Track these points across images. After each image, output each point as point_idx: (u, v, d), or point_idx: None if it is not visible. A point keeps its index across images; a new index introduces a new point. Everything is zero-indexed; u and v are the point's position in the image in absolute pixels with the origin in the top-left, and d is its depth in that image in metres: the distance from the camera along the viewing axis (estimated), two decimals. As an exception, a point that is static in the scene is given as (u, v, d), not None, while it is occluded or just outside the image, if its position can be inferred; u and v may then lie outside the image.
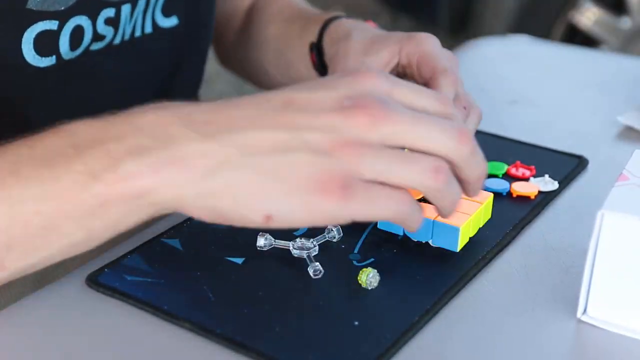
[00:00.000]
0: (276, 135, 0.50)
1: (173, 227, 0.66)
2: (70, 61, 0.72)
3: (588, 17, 2.55)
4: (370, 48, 0.76)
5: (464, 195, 0.57)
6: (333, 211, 0.50)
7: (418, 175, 0.51)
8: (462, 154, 0.52)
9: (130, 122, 0.52)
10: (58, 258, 0.54)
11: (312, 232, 0.65)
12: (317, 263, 0.61)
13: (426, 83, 0.71)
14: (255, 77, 1.01)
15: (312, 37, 0.84)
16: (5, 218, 0.51)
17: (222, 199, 0.50)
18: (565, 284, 0.61)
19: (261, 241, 0.63)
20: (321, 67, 0.83)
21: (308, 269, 0.61)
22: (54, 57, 0.71)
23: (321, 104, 0.51)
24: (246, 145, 0.50)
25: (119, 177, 0.50)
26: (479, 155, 0.53)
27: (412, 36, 0.74)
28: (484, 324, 0.58)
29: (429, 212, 0.62)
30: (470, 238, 0.65)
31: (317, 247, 0.63)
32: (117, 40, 0.77)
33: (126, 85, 0.81)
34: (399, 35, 0.76)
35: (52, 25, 0.69)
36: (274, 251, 0.61)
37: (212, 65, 1.04)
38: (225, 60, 1.07)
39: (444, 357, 0.55)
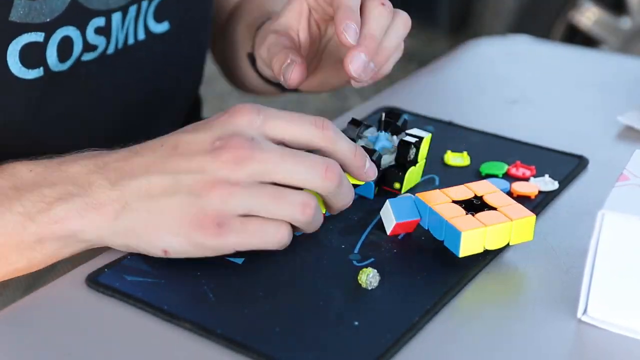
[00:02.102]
0: (162, 180, 0.57)
1: (173, 227, 0.66)
2: (60, 73, 0.71)
3: (588, 17, 2.55)
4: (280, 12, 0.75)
5: (499, 207, 0.62)
6: (214, 245, 0.57)
7: (287, 210, 0.57)
8: (328, 188, 0.59)
9: (62, 170, 0.60)
10: (1, 279, 0.62)
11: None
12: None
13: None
14: (237, 81, 0.99)
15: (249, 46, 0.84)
16: None
17: (129, 237, 0.59)
18: (566, 284, 0.61)
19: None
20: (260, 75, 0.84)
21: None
22: (41, 68, 0.69)
23: (198, 146, 0.58)
24: (140, 191, 0.58)
25: (51, 220, 0.59)
26: (345, 187, 0.60)
27: None
28: (484, 324, 0.58)
29: (445, 211, 0.62)
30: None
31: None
32: (111, 50, 0.75)
33: (122, 93, 0.79)
34: None
35: (37, 37, 0.68)
36: (274, 251, 0.61)
37: (212, 65, 1.04)
38: (217, 60, 1.04)
39: (444, 357, 0.55)
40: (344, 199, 0.61)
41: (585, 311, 0.58)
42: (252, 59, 0.83)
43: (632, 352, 0.55)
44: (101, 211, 0.58)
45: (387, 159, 0.71)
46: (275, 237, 0.58)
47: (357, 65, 0.67)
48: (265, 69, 0.81)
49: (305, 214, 0.58)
